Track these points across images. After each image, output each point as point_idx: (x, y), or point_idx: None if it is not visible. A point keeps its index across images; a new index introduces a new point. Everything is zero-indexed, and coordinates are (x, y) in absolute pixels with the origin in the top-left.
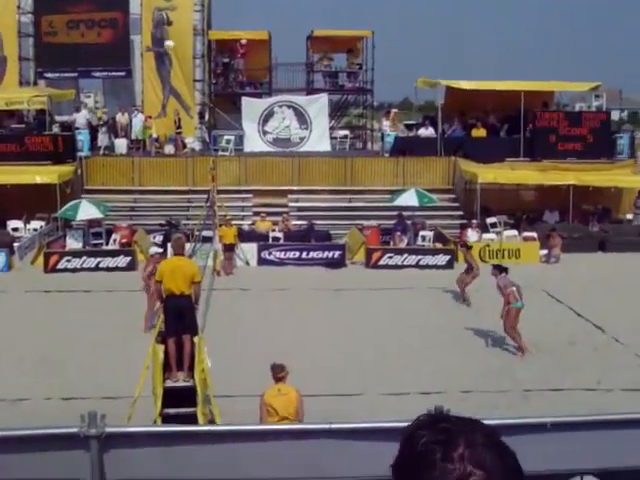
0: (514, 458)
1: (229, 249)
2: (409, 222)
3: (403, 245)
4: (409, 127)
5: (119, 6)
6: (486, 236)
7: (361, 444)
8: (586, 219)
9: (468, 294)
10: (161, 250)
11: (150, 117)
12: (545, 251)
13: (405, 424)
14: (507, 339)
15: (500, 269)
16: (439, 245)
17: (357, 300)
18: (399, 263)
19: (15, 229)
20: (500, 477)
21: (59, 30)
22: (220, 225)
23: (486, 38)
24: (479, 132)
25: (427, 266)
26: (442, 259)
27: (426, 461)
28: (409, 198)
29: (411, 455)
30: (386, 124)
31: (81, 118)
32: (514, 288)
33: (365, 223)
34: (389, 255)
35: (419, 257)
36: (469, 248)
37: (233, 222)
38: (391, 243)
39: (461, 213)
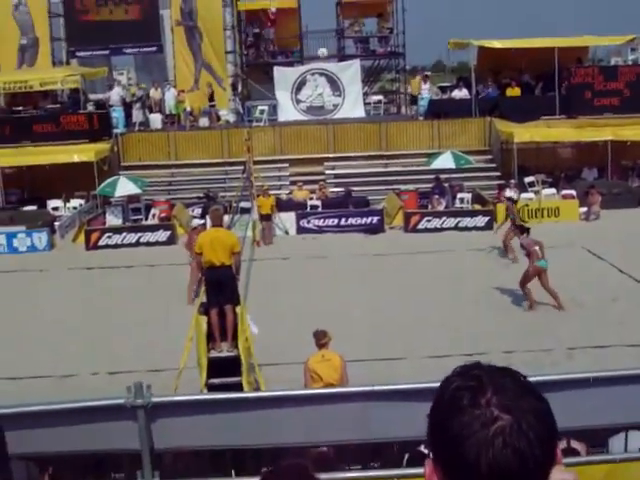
0: (545, 404)
1: (267, 219)
2: (446, 185)
3: (441, 208)
4: (443, 89)
5: None
6: (524, 195)
7: (404, 405)
8: (625, 174)
9: (513, 248)
10: (202, 222)
11: (183, 91)
12: (584, 208)
13: None
14: (549, 298)
15: (522, 229)
16: (477, 206)
17: (397, 265)
18: (438, 226)
19: (55, 208)
20: (529, 422)
21: (89, 8)
22: (258, 195)
23: None
24: (513, 91)
25: (466, 228)
26: (481, 220)
27: (455, 406)
28: (445, 161)
29: (442, 401)
30: (425, 87)
31: (115, 95)
32: (537, 247)
33: (402, 187)
34: (427, 219)
35: (458, 219)
36: (514, 202)
37: (270, 192)
38: (429, 206)
39: (498, 174)
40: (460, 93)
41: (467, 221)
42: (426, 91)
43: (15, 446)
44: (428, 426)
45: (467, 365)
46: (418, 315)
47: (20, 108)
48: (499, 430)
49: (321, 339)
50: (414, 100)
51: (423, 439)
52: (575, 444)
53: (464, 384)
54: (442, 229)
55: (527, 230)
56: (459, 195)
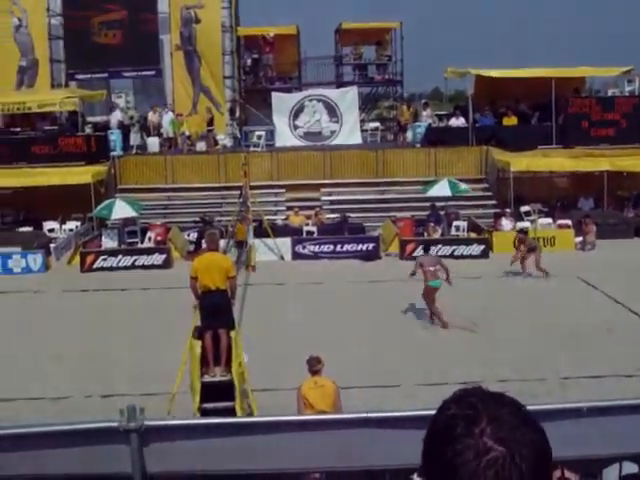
0: (542, 436)
1: (240, 245)
2: (442, 212)
3: (437, 236)
4: (440, 117)
5: (147, 6)
6: (520, 224)
7: (398, 432)
8: (621, 205)
9: (544, 267)
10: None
11: (181, 115)
12: (580, 238)
13: None
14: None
15: (425, 249)
16: (473, 235)
17: (392, 292)
18: (433, 254)
19: (51, 230)
20: (522, 455)
21: (88, 31)
22: (237, 221)
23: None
24: (510, 120)
25: (462, 256)
26: (477, 249)
27: (449, 434)
28: (442, 188)
29: (437, 428)
30: (425, 114)
31: (114, 118)
32: (432, 268)
33: (398, 215)
34: (423, 246)
35: (453, 247)
36: (525, 233)
37: (267, 217)
38: (425, 234)
39: (494, 202)
40: (457, 121)
41: (463, 249)
42: (425, 118)
43: (6, 468)
44: (423, 451)
45: (466, 390)
46: (413, 342)
47: (18, 129)
48: (492, 461)
49: (314, 365)
50: (403, 129)
51: (416, 467)
52: (569, 474)
53: (460, 412)
54: (438, 257)
55: (427, 249)
56: (455, 223)
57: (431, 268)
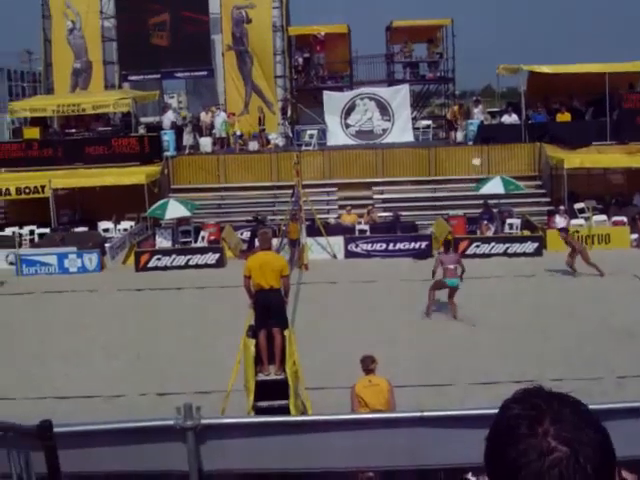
0: (605, 436)
1: (293, 244)
2: (495, 210)
3: (490, 233)
4: (492, 114)
5: (199, 7)
6: (574, 222)
7: (453, 431)
8: None
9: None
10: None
11: (233, 114)
12: (635, 235)
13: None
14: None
15: (447, 246)
16: (527, 232)
17: (445, 290)
18: (486, 252)
19: (106, 230)
20: (586, 455)
21: (141, 33)
22: (290, 220)
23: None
24: (563, 117)
25: (515, 254)
26: (530, 246)
27: (512, 435)
28: (495, 186)
29: (500, 428)
30: (476, 111)
31: (166, 119)
32: (451, 266)
33: (451, 213)
34: (476, 244)
35: (507, 245)
36: (567, 232)
37: (320, 216)
38: (478, 232)
39: (548, 199)
40: (510, 118)
41: (516, 247)
42: (477, 115)
43: (65, 465)
44: (485, 451)
45: (528, 390)
46: (466, 340)
47: (73, 130)
48: (555, 462)
49: (369, 364)
50: (454, 128)
51: (470, 466)
52: (627, 474)
53: (523, 412)
54: (491, 255)
55: (448, 246)
56: (508, 221)
57: (451, 266)
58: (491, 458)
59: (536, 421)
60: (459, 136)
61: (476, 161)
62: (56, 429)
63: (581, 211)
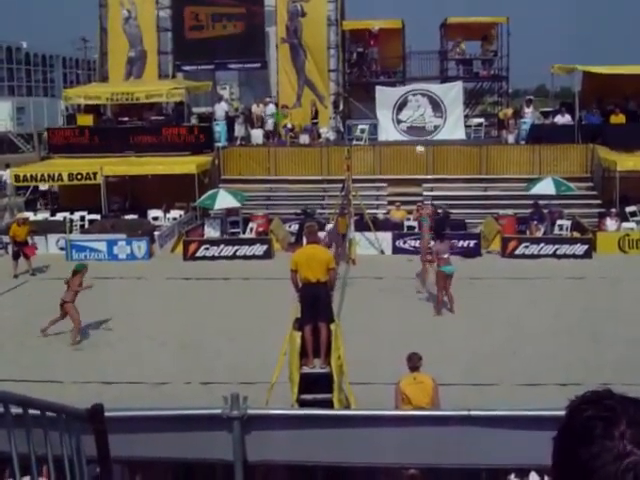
0: None
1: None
2: (546, 211)
3: (540, 234)
4: (545, 114)
5: None
6: (625, 225)
7: (500, 432)
8: None
9: None
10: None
11: (286, 106)
12: None
13: (545, 413)
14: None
15: (440, 236)
16: (577, 234)
17: (493, 289)
18: (535, 252)
19: (155, 218)
20: None
21: (196, 23)
22: (341, 215)
23: (624, 20)
24: (618, 118)
25: (564, 256)
26: (580, 249)
27: (586, 436)
28: (546, 186)
29: (572, 429)
30: (528, 111)
31: (219, 109)
32: (446, 255)
33: (501, 212)
34: (525, 244)
35: (556, 246)
36: None
37: (369, 211)
38: (527, 232)
39: (599, 202)
40: (563, 119)
41: (565, 248)
42: (529, 115)
43: (113, 450)
44: (554, 452)
45: (599, 392)
46: (512, 341)
47: (126, 119)
48: (631, 465)
49: (415, 362)
50: (502, 126)
51: (513, 468)
52: None
53: (597, 414)
54: (540, 256)
55: (443, 236)
56: (558, 222)
57: (445, 255)
58: (561, 459)
59: (612, 423)
60: (510, 138)
61: (420, 148)
62: (107, 413)
63: (632, 214)
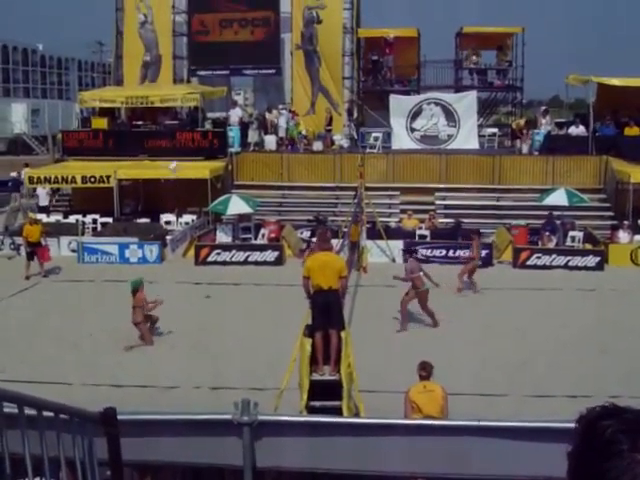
0: None
1: (353, 247)
2: (558, 222)
3: (552, 245)
4: (559, 125)
5: (270, 5)
6: (638, 238)
7: (508, 443)
8: None
9: None
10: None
11: (297, 114)
12: None
13: (556, 425)
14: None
15: (410, 252)
16: (589, 246)
17: (503, 300)
18: (547, 263)
19: (168, 222)
20: None
21: (212, 29)
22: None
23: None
24: (632, 130)
25: (576, 267)
26: (592, 260)
27: (612, 450)
28: (559, 197)
29: (594, 444)
30: (543, 122)
31: (234, 115)
32: (421, 273)
33: (513, 222)
34: (537, 255)
35: (568, 258)
36: None
37: (381, 219)
38: (539, 243)
39: (612, 214)
40: (577, 130)
41: (577, 260)
42: (544, 126)
43: (124, 453)
44: (572, 467)
45: (617, 406)
46: (522, 352)
47: (140, 122)
48: None
49: (425, 370)
50: (519, 138)
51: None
52: None
53: (622, 427)
54: (551, 267)
55: (415, 252)
56: (570, 233)
57: (421, 273)
58: (582, 474)
59: (638, 436)
60: (524, 148)
61: (172, 166)
62: (119, 417)
63: None
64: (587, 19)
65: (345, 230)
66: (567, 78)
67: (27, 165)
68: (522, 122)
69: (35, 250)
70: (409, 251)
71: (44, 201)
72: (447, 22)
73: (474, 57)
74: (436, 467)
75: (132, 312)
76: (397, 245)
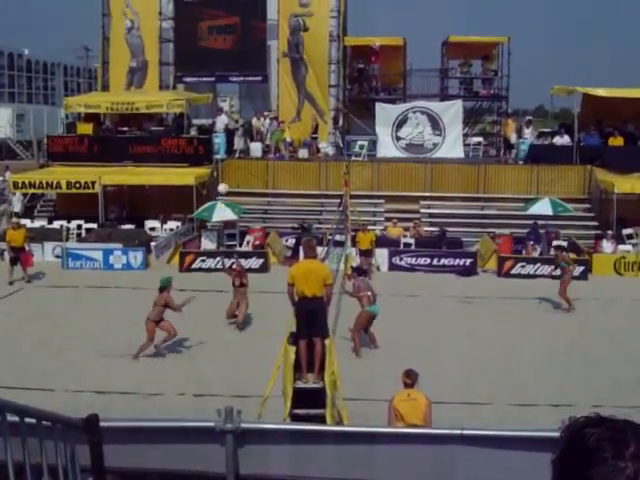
0: None
1: (365, 254)
2: (542, 231)
3: (536, 254)
4: (544, 135)
5: (256, 12)
6: (622, 247)
7: (492, 451)
8: None
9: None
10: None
11: (282, 122)
12: None
13: (538, 434)
14: None
15: (359, 272)
16: (573, 255)
17: (488, 309)
18: (531, 272)
19: (152, 228)
20: None
21: (198, 35)
22: (357, 230)
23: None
24: (616, 141)
25: (560, 276)
26: (576, 270)
27: (596, 458)
28: (543, 207)
29: (579, 451)
30: (527, 132)
31: (220, 121)
32: (369, 293)
33: (497, 231)
34: (521, 264)
35: (552, 267)
36: (566, 251)
37: (369, 227)
38: (523, 252)
39: (596, 223)
40: (561, 140)
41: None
42: (528, 135)
43: (110, 460)
44: (557, 474)
45: (601, 416)
46: (505, 360)
47: (125, 128)
48: None
49: (409, 378)
50: (509, 145)
51: None
52: None
53: (606, 435)
54: (535, 276)
55: (364, 272)
56: (555, 243)
57: (368, 293)
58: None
59: (623, 444)
60: (514, 154)
61: (221, 188)
62: (102, 423)
63: (629, 237)
64: (573, 30)
65: (330, 238)
66: (553, 89)
67: (7, 168)
68: (510, 121)
69: (19, 255)
70: (359, 271)
71: (17, 207)
72: (433, 31)
73: (465, 67)
74: (420, 475)
75: (152, 309)
76: (382, 253)
